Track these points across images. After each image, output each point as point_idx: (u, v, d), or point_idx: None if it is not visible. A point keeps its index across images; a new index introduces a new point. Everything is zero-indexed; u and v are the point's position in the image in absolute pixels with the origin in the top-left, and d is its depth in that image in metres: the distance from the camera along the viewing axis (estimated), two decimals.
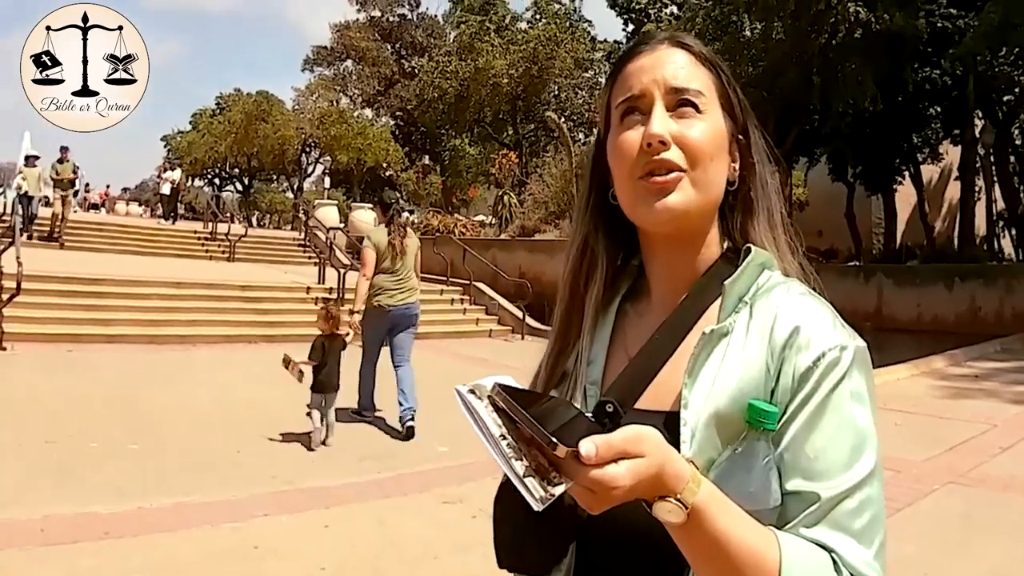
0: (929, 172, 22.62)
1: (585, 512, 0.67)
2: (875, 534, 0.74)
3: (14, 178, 17.09)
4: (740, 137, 0.90)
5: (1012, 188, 19.74)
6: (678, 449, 0.75)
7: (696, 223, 0.87)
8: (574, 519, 0.77)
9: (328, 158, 35.48)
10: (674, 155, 0.82)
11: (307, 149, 38.33)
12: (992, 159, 18.87)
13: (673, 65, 0.86)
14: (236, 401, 6.68)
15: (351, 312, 6.04)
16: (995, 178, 19.13)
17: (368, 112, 41.13)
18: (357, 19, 42.28)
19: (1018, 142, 20.69)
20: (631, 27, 25.58)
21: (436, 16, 42.79)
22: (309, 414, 5.53)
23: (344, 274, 11.95)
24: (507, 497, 0.77)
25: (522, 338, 12.85)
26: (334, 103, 38.40)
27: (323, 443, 5.41)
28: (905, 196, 21.67)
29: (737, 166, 0.90)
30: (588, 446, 0.62)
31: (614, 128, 0.88)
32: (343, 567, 3.43)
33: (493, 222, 22.85)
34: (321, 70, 42.87)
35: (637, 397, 0.84)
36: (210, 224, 20.04)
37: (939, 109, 18.88)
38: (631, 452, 0.64)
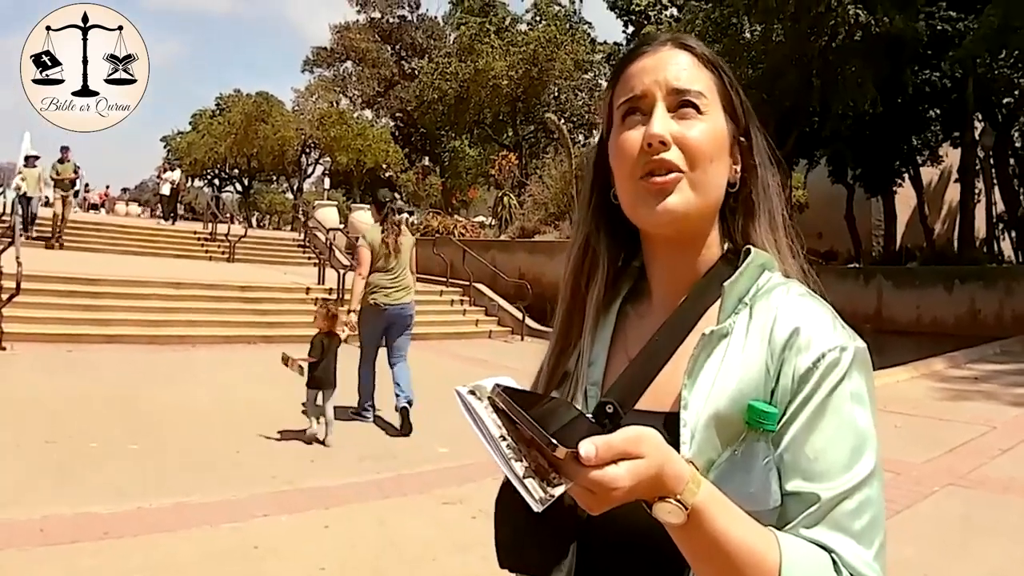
0: (929, 174, 22.62)
1: (585, 513, 0.67)
2: (875, 535, 0.75)
3: (14, 178, 17.09)
4: (742, 139, 0.90)
5: (1012, 190, 19.73)
6: (678, 450, 0.75)
7: (696, 224, 0.87)
8: (574, 520, 0.77)
9: (328, 159, 35.48)
10: (674, 156, 0.83)
11: (307, 150, 38.33)
12: (992, 161, 18.89)
13: (675, 66, 0.86)
14: (236, 401, 6.68)
15: (348, 311, 6.07)
16: (995, 180, 19.14)
17: (368, 113, 41.19)
18: (357, 20, 42.37)
19: (1018, 144, 20.69)
20: (631, 29, 25.61)
21: (436, 18, 42.90)
22: (305, 412, 5.56)
23: (344, 275, 11.94)
24: (507, 498, 0.77)
25: (522, 339, 12.85)
26: (334, 104, 38.45)
27: (323, 442, 5.42)
28: (905, 198, 21.68)
29: (738, 168, 0.90)
30: (588, 447, 0.62)
31: (616, 128, 0.88)
32: (343, 567, 3.43)
33: (493, 223, 22.87)
34: (321, 71, 42.92)
35: (637, 398, 0.85)
36: (210, 225, 20.04)
37: (939, 111, 18.88)
38: (631, 453, 0.64)
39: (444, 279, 14.83)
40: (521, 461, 0.65)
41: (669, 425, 0.80)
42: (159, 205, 25.37)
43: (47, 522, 3.63)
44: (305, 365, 5.42)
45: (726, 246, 0.91)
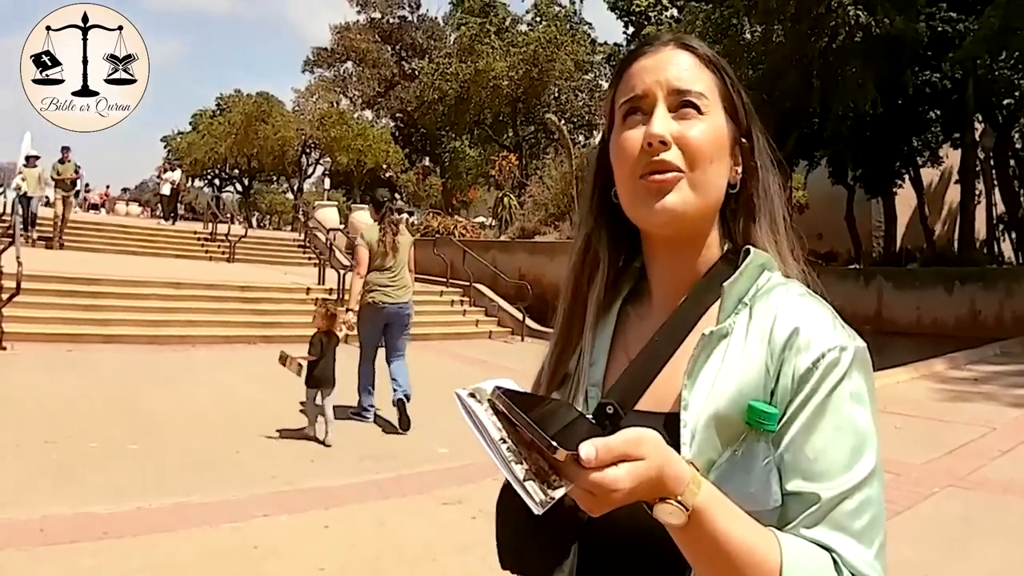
0: (929, 175, 22.62)
1: (586, 514, 0.67)
2: (875, 534, 0.75)
3: (14, 178, 17.09)
4: (743, 140, 0.90)
5: (1012, 192, 19.73)
6: (678, 450, 0.75)
7: (695, 225, 0.87)
8: (575, 521, 0.77)
9: (328, 159, 35.46)
10: (674, 156, 0.83)
11: (307, 150, 38.33)
12: (992, 163, 18.89)
13: (676, 67, 0.87)
14: (236, 401, 6.68)
15: (346, 310, 6.10)
16: (995, 182, 19.14)
17: (368, 113, 41.19)
18: (357, 21, 42.34)
19: (1018, 146, 20.69)
20: (631, 30, 25.63)
21: (436, 18, 42.89)
22: (303, 410, 5.59)
23: (344, 275, 11.94)
24: (509, 499, 0.77)
25: (522, 340, 12.85)
26: (334, 104, 38.41)
27: (323, 442, 5.43)
28: (905, 199, 21.67)
29: (739, 169, 0.90)
30: (588, 449, 0.62)
31: (617, 127, 0.88)
32: (343, 567, 3.43)
33: (493, 224, 22.86)
34: (321, 71, 42.90)
35: (637, 399, 0.85)
36: (210, 225, 20.05)
37: (939, 113, 18.88)
38: (631, 455, 0.64)
39: (444, 280, 14.83)
40: (521, 464, 0.65)
41: (669, 426, 0.80)
42: (159, 205, 25.38)
43: (47, 522, 3.63)
44: (304, 363, 5.43)
45: (726, 247, 0.91)
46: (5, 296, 8.41)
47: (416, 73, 36.79)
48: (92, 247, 16.13)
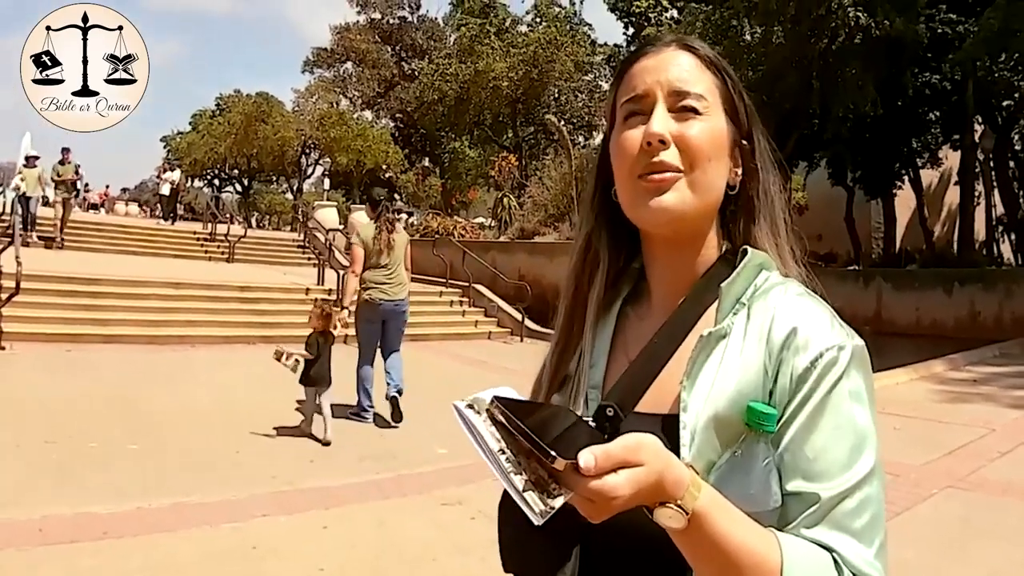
0: (929, 177, 22.63)
1: None
2: (876, 533, 0.75)
3: (14, 178, 17.08)
4: (744, 142, 0.90)
5: (1011, 193, 19.74)
6: (678, 452, 0.75)
7: (694, 225, 0.88)
8: (577, 523, 0.77)
9: (328, 160, 35.45)
10: (672, 155, 0.83)
11: (307, 151, 38.35)
12: (992, 164, 18.90)
13: (677, 68, 0.87)
14: (235, 401, 6.68)
15: (342, 308, 6.14)
16: (994, 183, 19.15)
17: (368, 114, 41.21)
18: (357, 21, 42.37)
19: (1017, 147, 20.71)
20: (631, 31, 25.64)
21: (436, 19, 42.92)
22: (300, 409, 5.64)
23: (343, 275, 11.94)
24: (510, 502, 0.77)
25: (521, 340, 12.85)
26: (334, 105, 38.46)
27: (321, 440, 5.43)
28: (905, 200, 21.68)
29: (739, 171, 0.90)
30: (587, 457, 0.62)
31: (617, 127, 0.89)
32: (342, 568, 3.43)
33: (493, 224, 22.84)
34: (321, 72, 42.93)
35: (637, 400, 0.85)
36: (209, 225, 20.04)
37: (939, 114, 18.91)
38: (630, 461, 0.64)
39: (444, 280, 14.82)
40: (521, 474, 0.65)
41: (669, 427, 0.80)
42: (159, 205, 25.37)
43: (47, 522, 3.63)
44: (302, 359, 5.45)
45: (725, 247, 0.91)
46: (5, 296, 8.41)
47: (416, 74, 36.80)
48: (92, 247, 16.13)
